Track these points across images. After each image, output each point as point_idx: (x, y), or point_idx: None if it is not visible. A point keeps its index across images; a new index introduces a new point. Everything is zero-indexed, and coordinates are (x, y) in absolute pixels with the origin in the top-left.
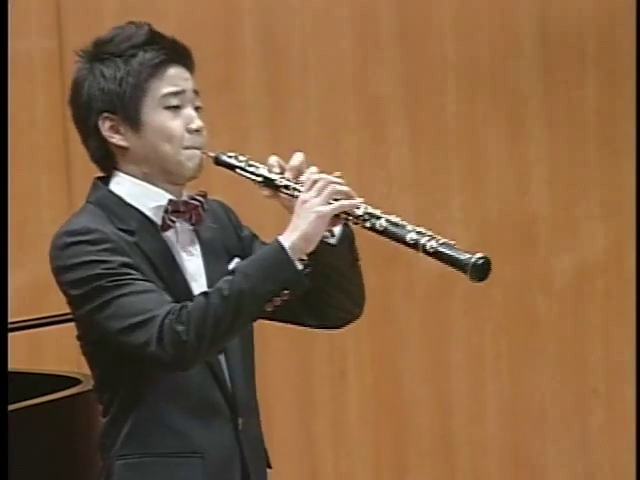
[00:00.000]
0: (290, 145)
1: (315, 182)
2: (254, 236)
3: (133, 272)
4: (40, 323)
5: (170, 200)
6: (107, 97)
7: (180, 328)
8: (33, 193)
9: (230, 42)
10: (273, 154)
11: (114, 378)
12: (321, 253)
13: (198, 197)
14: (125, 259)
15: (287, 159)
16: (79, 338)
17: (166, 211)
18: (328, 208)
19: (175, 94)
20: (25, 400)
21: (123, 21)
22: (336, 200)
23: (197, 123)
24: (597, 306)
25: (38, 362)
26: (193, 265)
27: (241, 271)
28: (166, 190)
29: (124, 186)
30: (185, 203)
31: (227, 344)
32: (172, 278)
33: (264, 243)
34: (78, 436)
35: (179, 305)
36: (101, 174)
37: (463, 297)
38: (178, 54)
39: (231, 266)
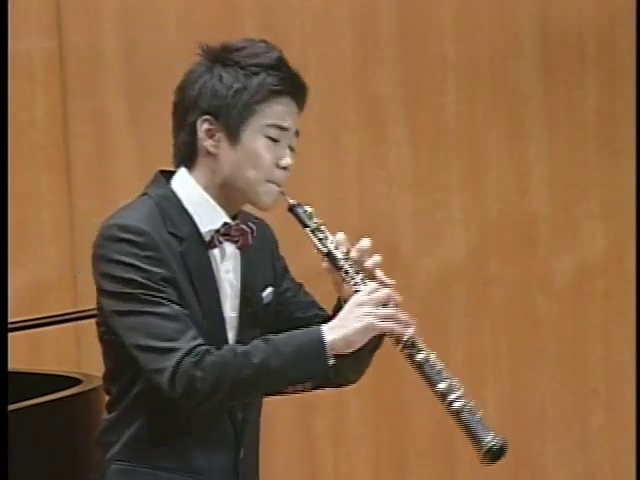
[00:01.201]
0: None
1: (376, 291)
2: (286, 269)
3: (169, 290)
4: (40, 323)
5: (224, 223)
6: (216, 101)
7: (198, 374)
8: (33, 193)
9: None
10: (341, 234)
11: (128, 374)
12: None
13: (251, 225)
14: (166, 273)
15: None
16: (98, 324)
17: (217, 231)
18: (380, 324)
19: (279, 128)
20: (25, 400)
21: (123, 21)
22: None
23: (287, 161)
24: (597, 306)
25: (38, 362)
26: (230, 287)
27: (276, 346)
28: (227, 207)
29: (187, 190)
30: (238, 229)
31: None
32: (206, 296)
33: (292, 279)
34: (78, 436)
35: (204, 348)
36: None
37: (463, 297)
38: (297, 89)
39: (264, 294)
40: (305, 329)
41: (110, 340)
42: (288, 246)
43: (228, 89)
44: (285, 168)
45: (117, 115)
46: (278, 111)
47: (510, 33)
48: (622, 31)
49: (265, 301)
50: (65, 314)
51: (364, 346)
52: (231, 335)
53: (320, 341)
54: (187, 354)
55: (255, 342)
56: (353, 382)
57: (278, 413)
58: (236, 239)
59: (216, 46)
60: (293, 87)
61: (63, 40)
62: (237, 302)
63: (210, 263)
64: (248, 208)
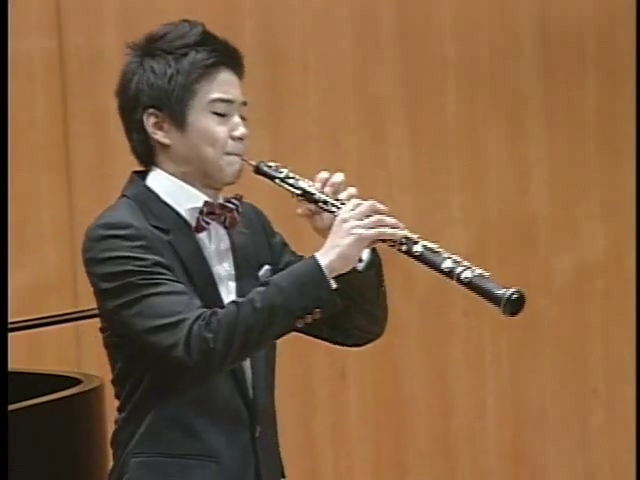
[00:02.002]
0: (290, 145)
1: (358, 205)
2: (284, 244)
3: (165, 272)
4: (40, 323)
5: (206, 202)
6: (155, 93)
7: (209, 335)
8: (33, 193)
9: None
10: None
11: (135, 373)
12: (348, 277)
13: (233, 200)
14: (158, 258)
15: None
16: (102, 330)
17: (201, 212)
18: (369, 232)
19: (224, 101)
20: (25, 400)
21: (123, 21)
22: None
23: (241, 131)
24: (597, 306)
25: (38, 362)
26: (224, 269)
27: (275, 284)
28: (202, 192)
29: (161, 183)
30: (221, 206)
31: (253, 355)
32: (202, 281)
33: (293, 252)
34: (78, 436)
35: (209, 311)
36: (136, 169)
37: (463, 297)
38: (230, 57)
39: (260, 273)
40: (300, 261)
41: (116, 343)
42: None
43: (162, 77)
44: (241, 139)
45: (117, 115)
46: (218, 85)
47: (510, 33)
48: (622, 31)
49: (262, 279)
50: (65, 314)
51: (368, 288)
52: None
53: (317, 266)
54: (195, 320)
55: (256, 288)
56: (377, 334)
57: (278, 413)
58: (222, 218)
59: (141, 40)
60: (225, 57)
61: (63, 40)
62: (233, 284)
63: (200, 248)
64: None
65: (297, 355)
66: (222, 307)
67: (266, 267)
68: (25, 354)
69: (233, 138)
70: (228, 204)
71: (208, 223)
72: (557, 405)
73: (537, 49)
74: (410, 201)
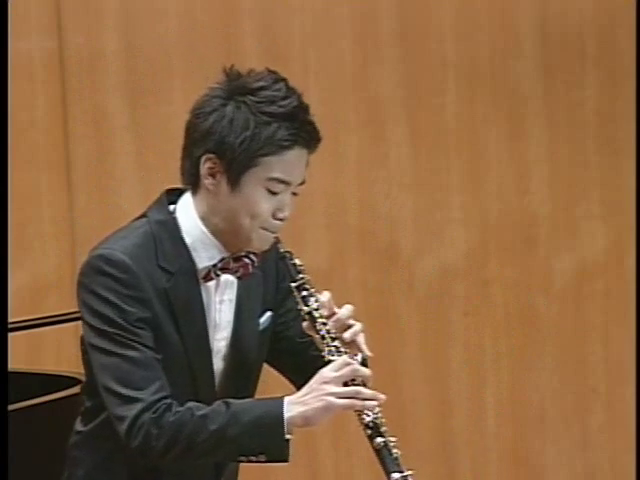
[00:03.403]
0: None
1: (343, 366)
2: (290, 290)
3: (145, 334)
4: (40, 323)
5: (222, 259)
6: (223, 145)
7: (154, 431)
8: (33, 193)
9: (230, 42)
10: (326, 293)
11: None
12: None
13: (252, 256)
14: (145, 314)
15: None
16: (82, 341)
17: (214, 265)
18: (339, 402)
19: (282, 182)
20: (25, 400)
21: (123, 21)
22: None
23: (285, 214)
24: (597, 306)
25: (38, 362)
26: (222, 315)
27: (234, 414)
28: (224, 242)
29: (188, 222)
30: (236, 259)
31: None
32: (192, 330)
33: (297, 302)
34: None
35: (165, 404)
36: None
37: (463, 297)
38: (309, 140)
39: (262, 319)
40: (267, 400)
41: (88, 358)
42: (287, 244)
43: (236, 135)
44: (282, 220)
45: (117, 115)
46: (283, 164)
47: (510, 33)
48: (622, 31)
49: (262, 327)
50: (65, 314)
51: None
52: (218, 366)
53: (279, 417)
54: (148, 408)
55: (216, 405)
56: None
57: None
58: (234, 270)
59: (236, 77)
60: (304, 139)
61: (63, 40)
62: (229, 330)
63: (200, 296)
64: None
65: None
66: (209, 361)
67: (268, 314)
68: (25, 354)
69: (275, 217)
70: (245, 259)
71: (218, 275)
72: (557, 405)
73: (537, 49)
74: (410, 201)
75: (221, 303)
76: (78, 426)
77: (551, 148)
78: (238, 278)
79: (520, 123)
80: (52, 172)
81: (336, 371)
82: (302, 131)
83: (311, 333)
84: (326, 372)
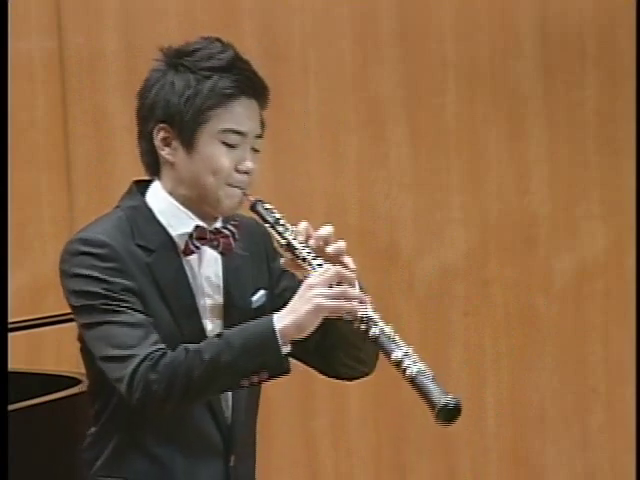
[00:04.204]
0: (290, 145)
1: (327, 271)
2: (284, 270)
3: (131, 299)
4: (40, 323)
5: (196, 226)
6: (169, 109)
7: (152, 377)
8: (33, 193)
9: (230, 42)
10: (304, 223)
11: (105, 391)
12: (335, 323)
13: (230, 227)
14: (128, 283)
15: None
16: (79, 340)
17: (190, 236)
18: (328, 303)
19: (236, 132)
20: (25, 400)
21: (123, 21)
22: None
23: (247, 166)
24: (597, 306)
25: (38, 362)
26: (211, 292)
27: (227, 340)
28: (198, 213)
29: (158, 201)
30: (214, 231)
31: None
32: (183, 310)
33: (293, 276)
34: (78, 436)
35: (160, 352)
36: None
37: (463, 297)
38: (252, 87)
39: (255, 298)
40: (257, 320)
41: (87, 356)
42: None
43: (180, 96)
44: (246, 172)
45: (117, 115)
46: (233, 115)
47: (510, 33)
48: (622, 31)
49: (255, 305)
50: (65, 314)
51: (352, 334)
52: None
53: (271, 330)
54: (144, 360)
55: (208, 339)
56: (366, 374)
57: (278, 413)
58: (215, 243)
59: (172, 49)
60: (249, 88)
61: (63, 40)
62: (221, 309)
63: (184, 271)
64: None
65: None
66: (203, 336)
67: (261, 292)
68: (25, 354)
69: (238, 171)
70: (224, 230)
71: (198, 247)
72: (557, 405)
73: (537, 49)
74: (410, 201)
75: (208, 282)
76: (89, 430)
77: (551, 148)
78: (221, 254)
79: (520, 123)
80: (52, 172)
81: (321, 276)
82: (244, 80)
83: (292, 267)
84: (311, 279)
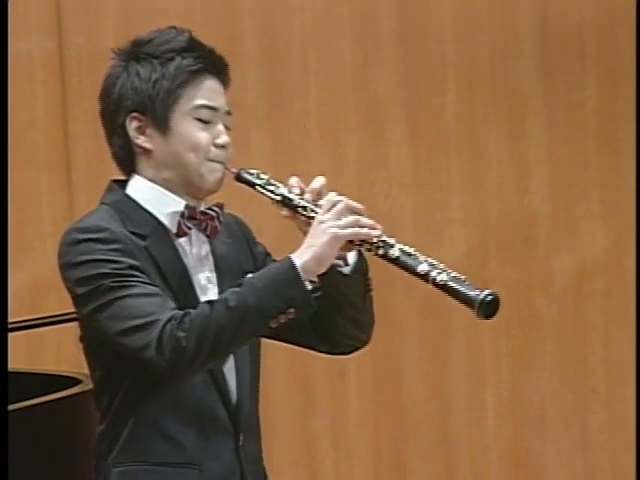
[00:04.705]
0: (290, 145)
1: (334, 205)
2: (267, 254)
3: (140, 274)
4: (40, 323)
5: (187, 205)
6: (139, 97)
7: (181, 334)
8: (33, 193)
9: (230, 42)
10: (294, 177)
11: (114, 382)
12: (333, 281)
13: (215, 208)
14: (133, 262)
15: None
16: (82, 339)
17: (182, 215)
18: (344, 231)
19: (208, 108)
20: (25, 400)
21: (123, 21)
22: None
23: (224, 139)
24: (597, 306)
25: (38, 362)
26: (204, 276)
27: (249, 283)
28: (184, 199)
29: (141, 190)
30: (202, 212)
31: (229, 355)
32: (180, 286)
33: (276, 261)
34: (78, 436)
35: (182, 312)
36: (117, 177)
37: None
38: (215, 66)
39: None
40: (276, 262)
41: (93, 353)
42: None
43: (147, 81)
44: (224, 147)
45: None
46: (203, 91)
47: (510, 33)
48: (622, 31)
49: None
50: (65, 314)
51: (353, 294)
52: None
53: (291, 266)
54: (168, 321)
55: (230, 289)
56: (363, 342)
57: (278, 413)
58: (204, 224)
59: (127, 45)
60: (211, 64)
61: (63, 40)
62: (214, 290)
63: (178, 254)
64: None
65: (297, 354)
66: None
67: (248, 276)
68: (25, 354)
69: (216, 145)
70: (209, 211)
71: (190, 228)
72: (557, 405)
73: (537, 49)
74: (410, 201)
75: (200, 261)
76: (97, 428)
77: (551, 148)
78: (207, 236)
79: (520, 123)
80: (52, 172)
81: (329, 209)
82: (206, 57)
83: (291, 216)
84: (320, 215)
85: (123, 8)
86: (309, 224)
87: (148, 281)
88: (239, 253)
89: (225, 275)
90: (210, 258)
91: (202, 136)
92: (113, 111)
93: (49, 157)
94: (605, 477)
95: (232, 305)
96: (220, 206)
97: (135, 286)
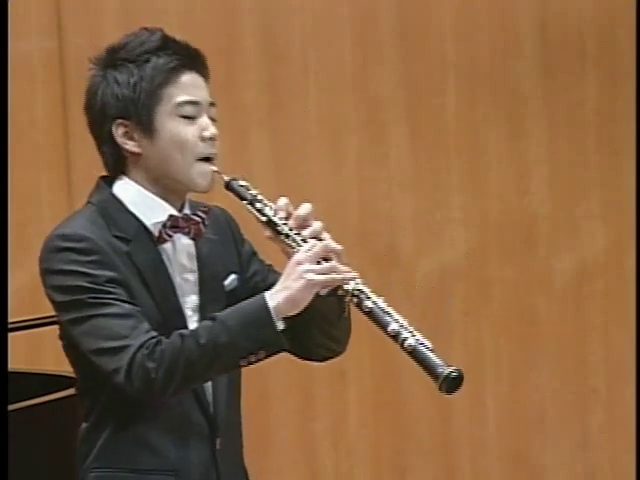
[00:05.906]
0: (290, 145)
1: (314, 246)
2: (253, 253)
3: (117, 291)
4: (40, 323)
5: (170, 216)
6: (121, 103)
7: (151, 365)
8: (33, 193)
9: (230, 42)
10: (283, 196)
11: (94, 385)
12: (311, 300)
13: (200, 213)
14: (112, 274)
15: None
16: (61, 338)
17: (164, 225)
18: (320, 278)
19: (191, 103)
20: (25, 400)
21: (123, 21)
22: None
23: (211, 131)
24: (597, 306)
25: (38, 362)
26: (187, 281)
27: (222, 321)
28: (170, 200)
29: (128, 192)
30: (185, 219)
31: (199, 385)
32: (162, 293)
33: (262, 261)
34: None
35: (155, 340)
36: (104, 173)
37: (463, 297)
38: (192, 59)
39: (227, 282)
40: (250, 299)
41: (73, 353)
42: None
43: (127, 87)
44: (211, 139)
45: None
46: (182, 88)
47: (510, 33)
48: (622, 31)
49: (228, 288)
50: None
51: (328, 311)
52: (193, 327)
53: (265, 307)
54: (139, 348)
55: (202, 322)
56: (338, 353)
57: (278, 414)
58: (186, 230)
59: (102, 53)
60: (187, 59)
61: (63, 40)
62: (195, 296)
63: (161, 259)
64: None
65: None
66: (183, 319)
67: (233, 276)
68: (25, 354)
69: (203, 139)
70: (194, 217)
71: (170, 235)
72: (557, 405)
73: (537, 49)
74: (410, 201)
75: (183, 267)
76: (81, 426)
77: (551, 148)
78: (192, 239)
79: (520, 123)
80: (52, 172)
81: (308, 251)
82: (182, 53)
83: (273, 238)
84: (298, 255)
85: (123, 8)
86: (290, 252)
87: (125, 298)
88: (224, 252)
89: (208, 279)
90: (194, 260)
91: (188, 132)
92: (99, 121)
93: (49, 157)
94: (605, 477)
95: (203, 342)
96: (206, 211)
97: (111, 305)
